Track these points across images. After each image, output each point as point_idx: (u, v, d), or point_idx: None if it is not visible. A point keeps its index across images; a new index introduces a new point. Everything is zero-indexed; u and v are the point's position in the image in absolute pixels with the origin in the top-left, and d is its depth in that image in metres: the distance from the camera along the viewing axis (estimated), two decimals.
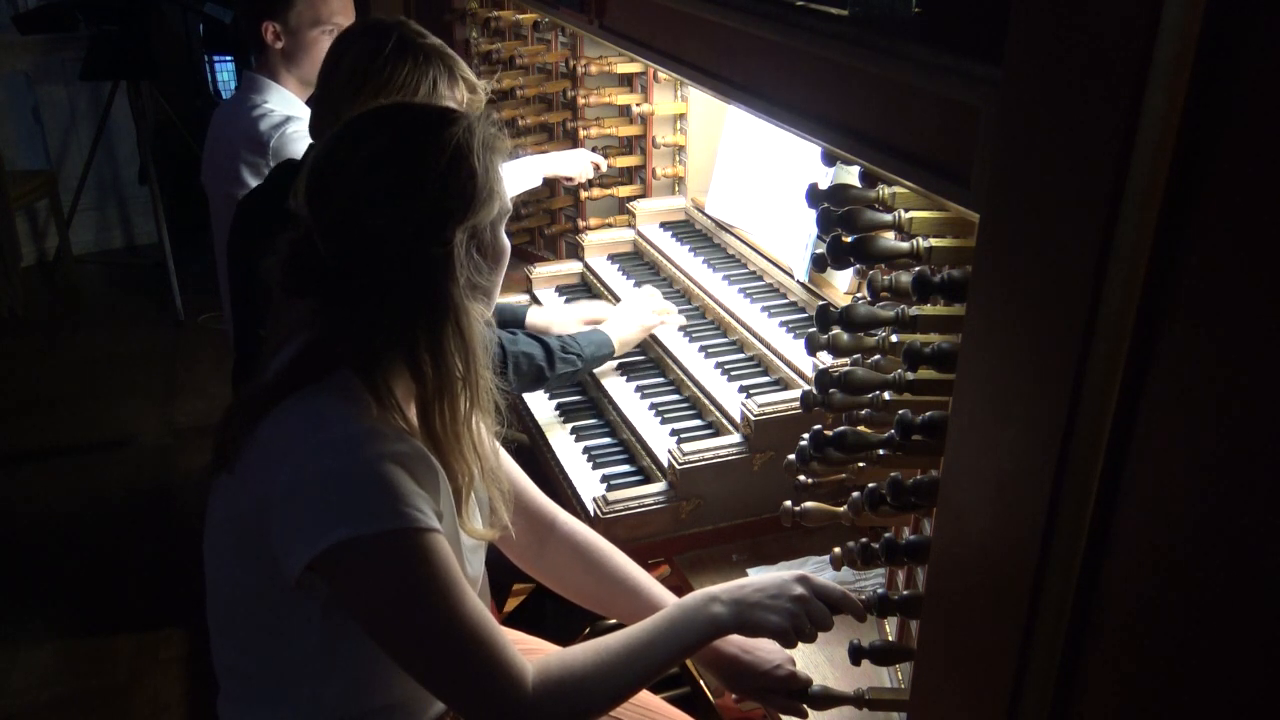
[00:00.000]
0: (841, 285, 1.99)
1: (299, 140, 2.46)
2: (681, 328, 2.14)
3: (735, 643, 1.35)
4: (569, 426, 2.04)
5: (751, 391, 1.86)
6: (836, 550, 1.26)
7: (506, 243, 1.29)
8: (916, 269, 1.07)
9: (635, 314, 2.11)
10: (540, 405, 2.12)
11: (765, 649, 1.36)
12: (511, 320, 2.20)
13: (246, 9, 2.56)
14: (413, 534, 1.14)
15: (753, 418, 1.70)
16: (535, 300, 2.47)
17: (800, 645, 1.31)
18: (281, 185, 1.69)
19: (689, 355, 2.04)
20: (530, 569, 1.56)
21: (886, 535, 1.22)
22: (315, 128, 1.90)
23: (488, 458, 1.33)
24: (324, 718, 1.28)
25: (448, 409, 1.22)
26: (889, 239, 1.11)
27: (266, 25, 2.51)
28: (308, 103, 2.52)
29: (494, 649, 1.17)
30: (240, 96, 2.61)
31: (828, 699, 1.32)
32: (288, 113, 2.54)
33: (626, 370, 2.12)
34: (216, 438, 1.25)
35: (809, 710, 1.34)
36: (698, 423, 1.92)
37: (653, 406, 1.98)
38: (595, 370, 2.10)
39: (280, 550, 1.16)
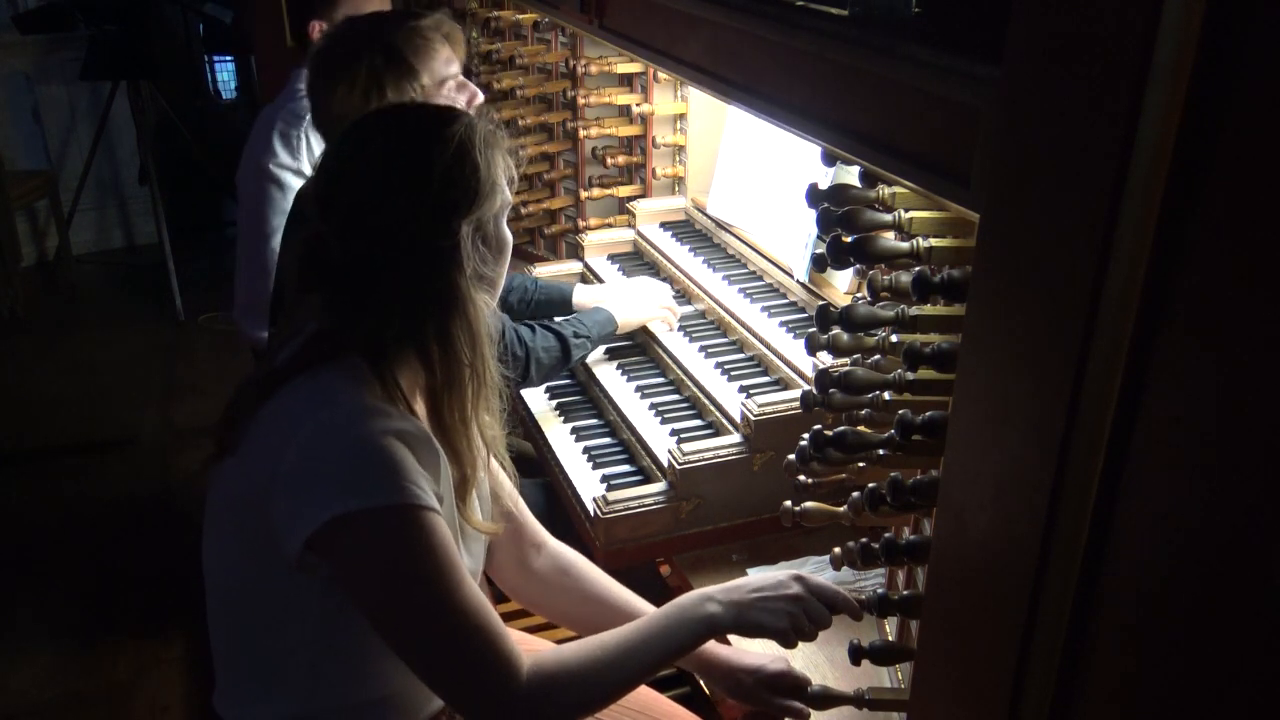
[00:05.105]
0: (841, 285, 1.99)
1: None
2: (682, 328, 2.14)
3: (729, 646, 1.35)
4: (569, 426, 2.04)
5: (751, 391, 1.86)
6: (836, 550, 1.26)
7: (509, 234, 1.32)
8: (916, 269, 1.07)
9: (642, 302, 2.15)
10: (540, 405, 2.12)
11: (759, 651, 1.36)
12: (559, 299, 2.24)
13: (294, 8, 2.73)
14: (412, 510, 1.15)
15: (753, 418, 1.70)
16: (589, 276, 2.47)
17: (800, 645, 1.31)
18: None
19: (689, 355, 2.04)
20: (514, 589, 1.56)
21: (886, 535, 1.22)
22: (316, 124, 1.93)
23: (491, 445, 1.35)
24: (318, 708, 1.28)
25: (455, 396, 1.26)
26: (889, 239, 1.11)
27: (314, 24, 2.67)
28: None
29: (489, 636, 1.17)
30: (287, 89, 2.74)
31: (827, 699, 1.32)
32: None
33: (626, 370, 2.12)
34: (220, 423, 1.27)
35: (809, 710, 1.34)
36: (698, 423, 1.92)
37: (653, 406, 1.98)
38: (595, 370, 2.11)
39: (281, 527, 1.17)
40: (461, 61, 1.92)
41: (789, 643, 1.29)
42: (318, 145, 2.64)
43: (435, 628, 1.17)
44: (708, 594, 1.29)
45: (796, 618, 1.27)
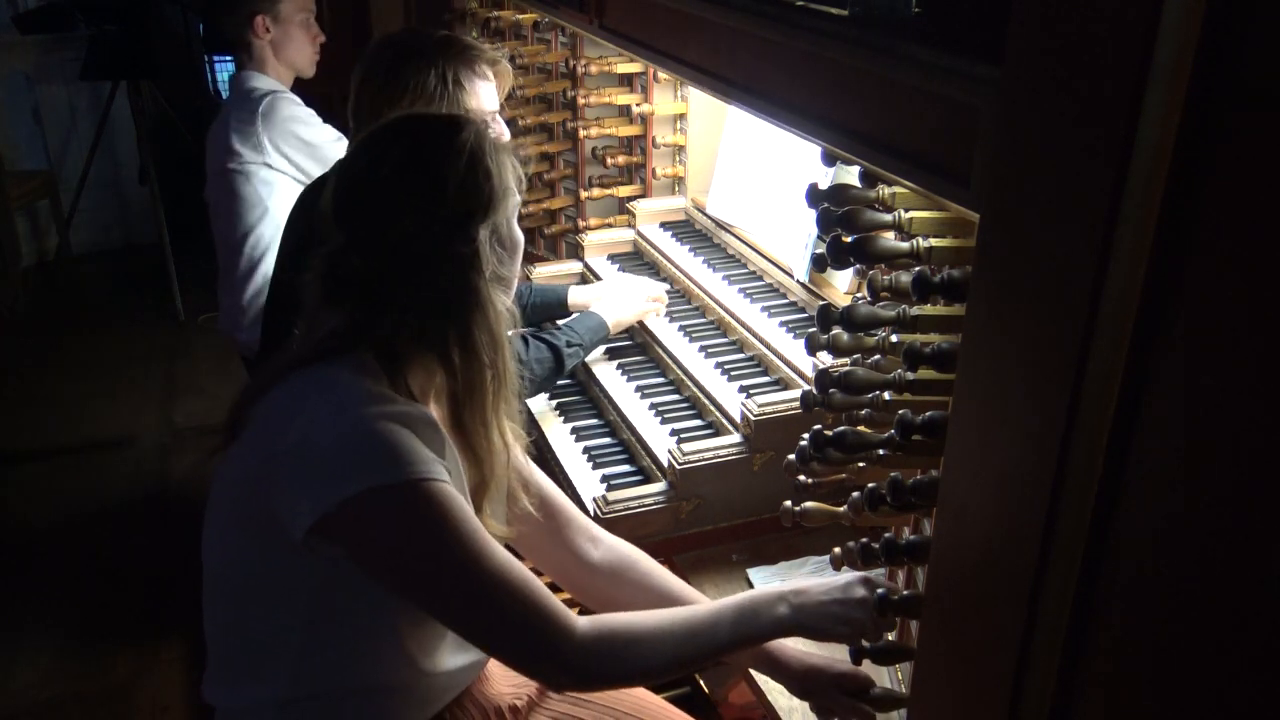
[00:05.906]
0: (841, 285, 1.99)
1: (287, 103, 2.69)
2: (682, 328, 2.14)
3: (798, 645, 1.36)
4: (569, 426, 2.04)
5: (751, 391, 1.86)
6: (836, 550, 1.26)
7: (520, 234, 1.35)
8: (916, 269, 1.07)
9: (630, 300, 2.16)
10: (539, 404, 2.12)
11: (828, 649, 1.36)
12: (555, 302, 2.25)
13: (234, 7, 2.71)
14: (415, 485, 1.16)
15: (753, 418, 1.70)
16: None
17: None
18: None
19: (689, 355, 2.04)
20: (574, 585, 1.54)
21: (886, 535, 1.22)
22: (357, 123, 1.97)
23: (513, 446, 1.37)
24: (304, 693, 1.28)
25: (477, 398, 1.28)
26: (889, 239, 1.11)
27: (260, 19, 2.70)
28: (292, 87, 2.80)
29: (529, 594, 1.18)
30: (232, 95, 2.80)
31: (890, 701, 1.31)
32: (275, 89, 2.75)
33: (626, 370, 2.12)
34: (230, 413, 1.29)
35: (875, 712, 1.32)
36: (698, 423, 1.92)
37: (653, 406, 1.98)
38: (595, 370, 2.11)
39: (285, 510, 1.18)
40: (502, 100, 1.95)
41: (853, 645, 1.28)
42: (275, 129, 2.66)
43: (470, 594, 1.18)
44: (782, 594, 1.29)
45: (862, 622, 1.26)
